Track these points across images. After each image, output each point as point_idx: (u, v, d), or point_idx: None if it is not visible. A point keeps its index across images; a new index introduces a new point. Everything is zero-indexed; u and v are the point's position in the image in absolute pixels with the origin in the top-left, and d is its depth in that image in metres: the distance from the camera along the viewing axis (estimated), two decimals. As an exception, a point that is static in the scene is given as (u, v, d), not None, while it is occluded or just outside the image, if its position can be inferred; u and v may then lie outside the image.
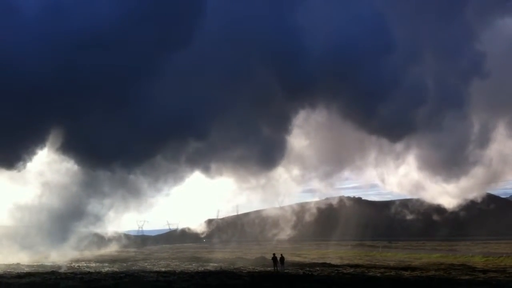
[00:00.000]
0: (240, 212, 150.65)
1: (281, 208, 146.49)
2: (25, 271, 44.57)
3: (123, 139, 41.66)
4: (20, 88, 36.14)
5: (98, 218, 53.39)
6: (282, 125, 50.26)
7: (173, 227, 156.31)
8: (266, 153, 51.06)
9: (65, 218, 50.76)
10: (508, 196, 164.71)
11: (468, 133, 58.81)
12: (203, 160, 50.81)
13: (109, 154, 42.47)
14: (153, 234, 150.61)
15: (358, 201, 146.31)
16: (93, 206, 51.33)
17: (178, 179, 56.59)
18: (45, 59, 35.91)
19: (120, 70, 38.35)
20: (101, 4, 37.13)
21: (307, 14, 43.63)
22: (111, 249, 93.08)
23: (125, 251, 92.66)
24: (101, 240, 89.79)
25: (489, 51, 53.06)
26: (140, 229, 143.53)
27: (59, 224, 51.24)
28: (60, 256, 58.25)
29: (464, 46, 54.15)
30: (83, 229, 58.21)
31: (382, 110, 48.10)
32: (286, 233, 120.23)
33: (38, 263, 54.40)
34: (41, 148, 43.08)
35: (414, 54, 49.32)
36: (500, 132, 67.80)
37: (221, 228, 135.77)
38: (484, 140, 62.48)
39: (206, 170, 54.56)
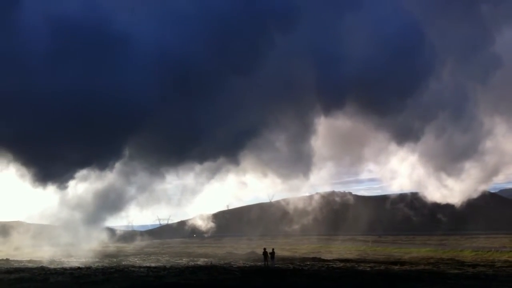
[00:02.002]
0: (231, 207, 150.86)
1: (273, 203, 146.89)
2: (14, 267, 44.48)
3: (168, 148, 48.86)
4: (107, 115, 40.73)
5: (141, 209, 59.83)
6: (309, 130, 57.59)
7: (163, 222, 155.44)
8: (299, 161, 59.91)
9: (99, 216, 55.37)
10: (497, 191, 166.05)
11: (468, 132, 61.80)
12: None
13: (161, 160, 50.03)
14: (142, 230, 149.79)
15: (351, 195, 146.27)
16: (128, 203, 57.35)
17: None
18: (137, 91, 40.43)
19: (188, 93, 44.68)
20: (188, 39, 42.30)
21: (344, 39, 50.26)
22: (142, 243, 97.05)
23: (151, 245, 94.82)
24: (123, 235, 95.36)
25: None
26: (130, 224, 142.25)
27: (91, 222, 55.30)
28: (83, 251, 60.45)
29: (476, 56, 59.33)
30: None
31: (396, 119, 56.02)
32: (277, 228, 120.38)
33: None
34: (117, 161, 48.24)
35: (434, 68, 53.78)
36: (497, 131, 70.58)
37: (213, 223, 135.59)
38: (482, 139, 65.73)
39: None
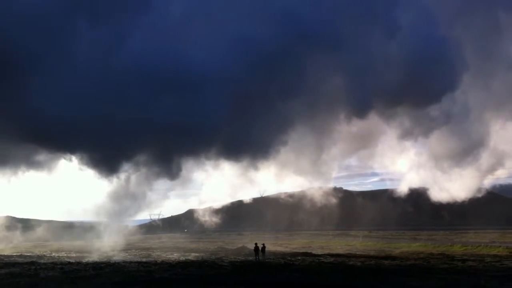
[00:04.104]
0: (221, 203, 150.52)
1: (264, 198, 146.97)
2: (4, 262, 44.27)
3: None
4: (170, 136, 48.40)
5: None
6: (332, 137, 62.73)
7: (154, 217, 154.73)
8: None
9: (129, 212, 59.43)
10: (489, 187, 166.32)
11: (470, 133, 63.94)
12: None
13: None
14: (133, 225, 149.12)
15: (341, 191, 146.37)
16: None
17: None
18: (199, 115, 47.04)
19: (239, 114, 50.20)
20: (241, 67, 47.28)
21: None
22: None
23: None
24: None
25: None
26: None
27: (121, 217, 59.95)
28: (104, 246, 61.74)
29: (488, 62, 65.08)
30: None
31: (405, 122, 61.38)
32: (269, 223, 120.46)
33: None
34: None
35: (455, 78, 56.08)
36: (495, 130, 72.20)
37: (204, 219, 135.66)
38: (480, 138, 67.73)
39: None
